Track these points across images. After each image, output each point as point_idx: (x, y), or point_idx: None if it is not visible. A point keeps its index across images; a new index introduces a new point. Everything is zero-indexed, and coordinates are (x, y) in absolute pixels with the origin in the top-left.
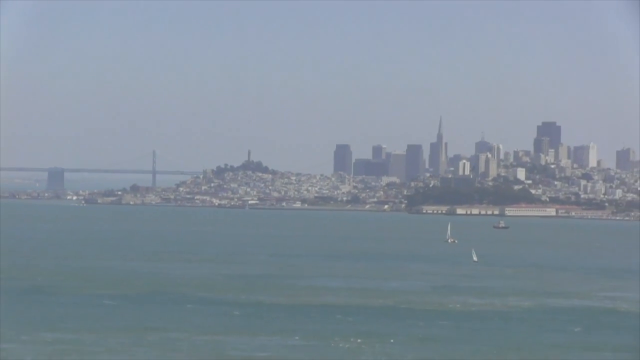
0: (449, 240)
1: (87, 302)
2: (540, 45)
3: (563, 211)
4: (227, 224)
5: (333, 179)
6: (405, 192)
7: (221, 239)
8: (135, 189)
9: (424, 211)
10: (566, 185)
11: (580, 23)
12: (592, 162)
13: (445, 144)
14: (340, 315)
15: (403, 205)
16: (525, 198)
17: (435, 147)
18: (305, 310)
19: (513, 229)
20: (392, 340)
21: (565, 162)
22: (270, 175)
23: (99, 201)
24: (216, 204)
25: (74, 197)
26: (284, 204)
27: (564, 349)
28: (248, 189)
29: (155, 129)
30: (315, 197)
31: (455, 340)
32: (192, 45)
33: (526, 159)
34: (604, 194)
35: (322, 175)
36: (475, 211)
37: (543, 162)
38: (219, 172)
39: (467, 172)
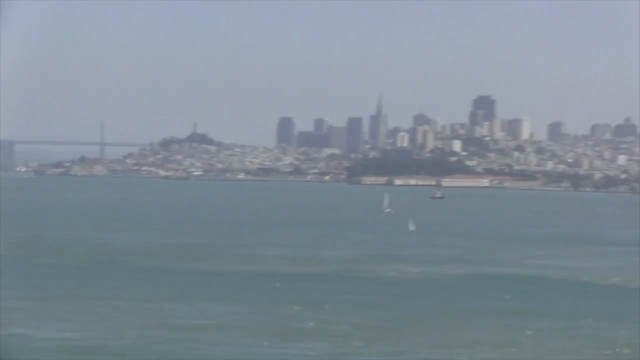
0: (386, 210)
1: (29, 270)
2: (476, 20)
3: (497, 182)
4: (172, 194)
5: (276, 150)
6: (345, 164)
7: (165, 209)
8: (83, 160)
9: (364, 182)
10: (500, 157)
11: None
12: (525, 135)
13: (385, 116)
14: (279, 283)
15: (343, 177)
16: (461, 169)
17: (375, 120)
18: (245, 278)
19: (448, 199)
20: (326, 306)
21: (499, 134)
22: (215, 147)
23: (47, 172)
24: (162, 175)
25: (24, 169)
26: (228, 175)
27: (493, 314)
28: (193, 161)
29: (103, 101)
30: (259, 168)
31: (386, 306)
32: (139, 20)
33: (462, 131)
34: (536, 166)
35: (265, 147)
36: (412, 182)
37: (478, 135)
38: (165, 144)
39: (405, 144)
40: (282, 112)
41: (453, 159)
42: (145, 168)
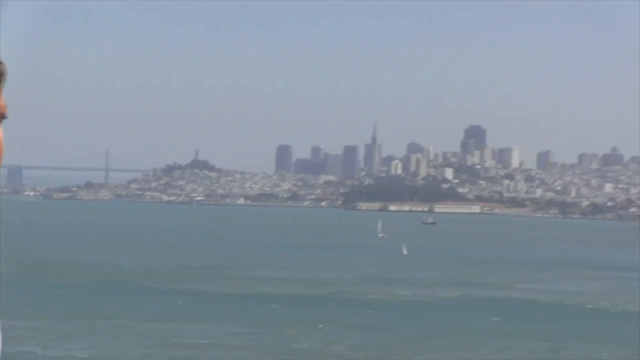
0: (380, 235)
1: (40, 291)
2: (467, 53)
3: (487, 208)
4: (175, 218)
5: (274, 177)
6: (341, 190)
7: (168, 233)
8: (89, 185)
9: (359, 208)
10: (490, 184)
11: (503, 27)
12: (515, 163)
13: (379, 145)
14: (277, 305)
15: (339, 202)
16: (453, 196)
17: (370, 148)
18: (244, 299)
19: (440, 224)
20: (320, 326)
21: (489, 162)
22: (216, 174)
23: (54, 197)
24: (165, 199)
25: (32, 193)
26: (228, 200)
27: (482, 335)
28: (195, 186)
29: (108, 128)
30: (258, 194)
31: (380, 327)
32: (142, 48)
33: (454, 159)
34: (526, 193)
35: (264, 173)
36: (406, 208)
37: (469, 163)
38: (168, 170)
39: (399, 171)
40: (281, 140)
41: (445, 186)
42: (148, 193)
